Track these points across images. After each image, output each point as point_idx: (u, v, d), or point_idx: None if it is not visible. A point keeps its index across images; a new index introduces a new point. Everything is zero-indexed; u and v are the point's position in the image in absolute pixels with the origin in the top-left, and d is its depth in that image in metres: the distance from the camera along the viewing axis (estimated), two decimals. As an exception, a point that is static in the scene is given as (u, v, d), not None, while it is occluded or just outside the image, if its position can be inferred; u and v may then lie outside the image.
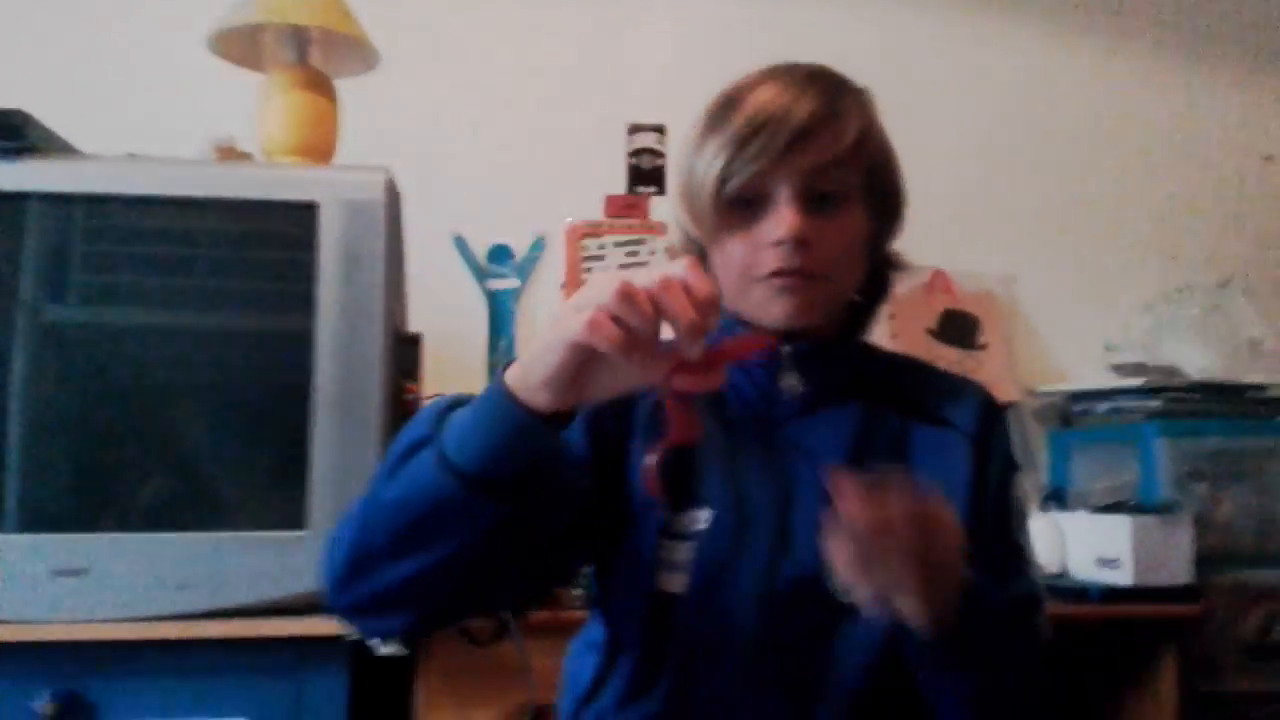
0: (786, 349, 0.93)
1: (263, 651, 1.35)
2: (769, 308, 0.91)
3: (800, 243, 0.88)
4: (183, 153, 1.55)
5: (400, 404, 1.52)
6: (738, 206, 0.90)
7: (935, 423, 0.94)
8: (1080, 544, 1.88)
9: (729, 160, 0.88)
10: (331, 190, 1.42)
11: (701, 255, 0.97)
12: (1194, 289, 2.24)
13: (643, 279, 0.68)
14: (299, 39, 1.62)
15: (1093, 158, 2.39)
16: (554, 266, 2.14)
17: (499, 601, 1.05)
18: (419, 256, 1.78)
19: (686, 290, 0.68)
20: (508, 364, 0.75)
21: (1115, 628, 1.85)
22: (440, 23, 2.16)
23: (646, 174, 2.16)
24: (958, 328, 2.23)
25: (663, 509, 0.89)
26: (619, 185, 2.15)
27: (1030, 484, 2.10)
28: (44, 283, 1.41)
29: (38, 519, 1.37)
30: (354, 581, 0.80)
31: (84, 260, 1.42)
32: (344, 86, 1.68)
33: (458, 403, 0.80)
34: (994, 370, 2.19)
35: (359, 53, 1.66)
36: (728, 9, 2.27)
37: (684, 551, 0.89)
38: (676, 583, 0.89)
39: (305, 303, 1.40)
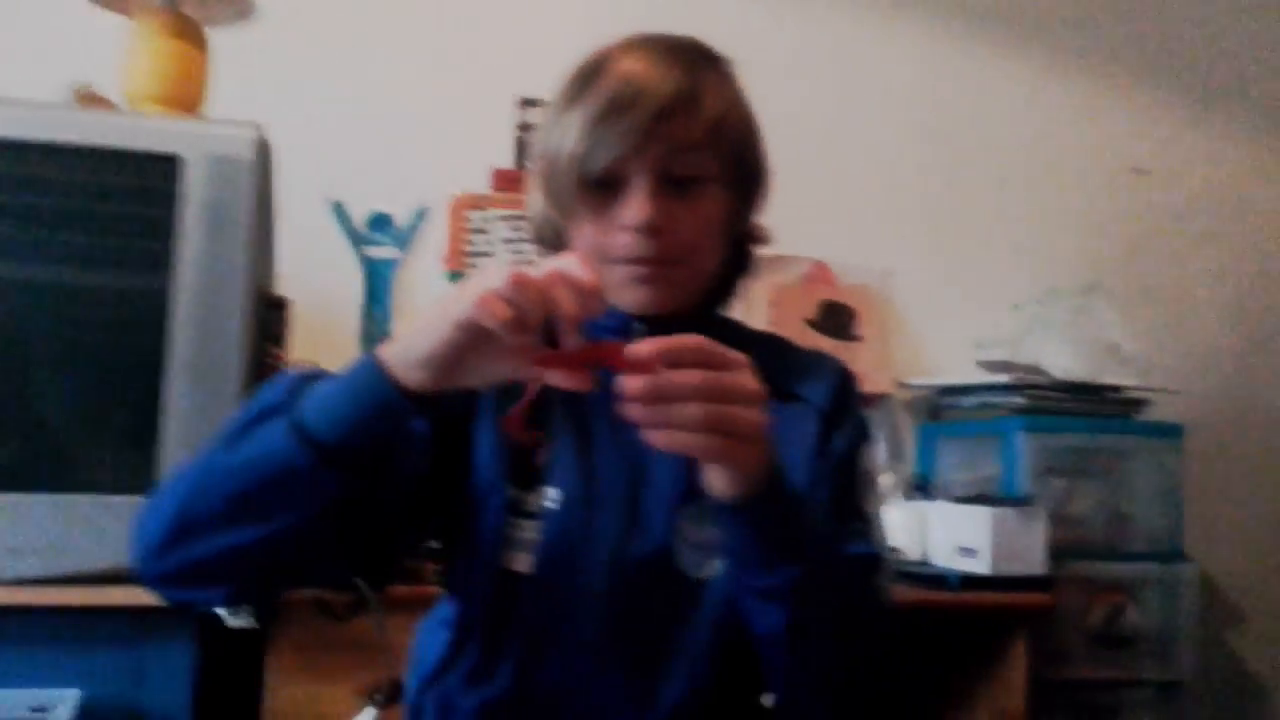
0: (639, 326, 0.92)
1: (102, 620, 1.30)
2: (624, 294, 0.91)
3: (654, 230, 0.87)
4: (40, 98, 1.47)
5: (264, 368, 1.47)
6: (595, 188, 0.89)
7: (789, 399, 0.93)
8: (942, 533, 1.93)
9: (587, 143, 0.86)
10: (197, 144, 1.36)
11: (559, 234, 0.96)
12: (1061, 293, 2.32)
13: (532, 270, 0.68)
14: (170, -18, 1.55)
15: (972, 162, 2.46)
16: (435, 238, 2.10)
17: (316, 578, 1.04)
18: (294, 220, 1.72)
19: (572, 282, 0.68)
20: (381, 341, 0.75)
21: (971, 614, 1.91)
22: (326, -24, 2.09)
23: (535, 149, 2.13)
24: (836, 319, 2.27)
25: (530, 444, 0.88)
26: (507, 158, 2.12)
27: (899, 474, 2.15)
28: (-124, 226, 1.32)
29: None
30: (174, 548, 0.77)
31: (-77, 205, 1.33)
32: (218, 37, 1.61)
33: (311, 376, 0.78)
34: (868, 362, 2.24)
35: (234, 1, 1.60)
36: (625, -14, 2.26)
37: (531, 530, 0.88)
38: (523, 562, 0.88)
39: (163, 261, 1.34)
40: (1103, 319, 2.26)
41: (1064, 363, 2.17)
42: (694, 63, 0.91)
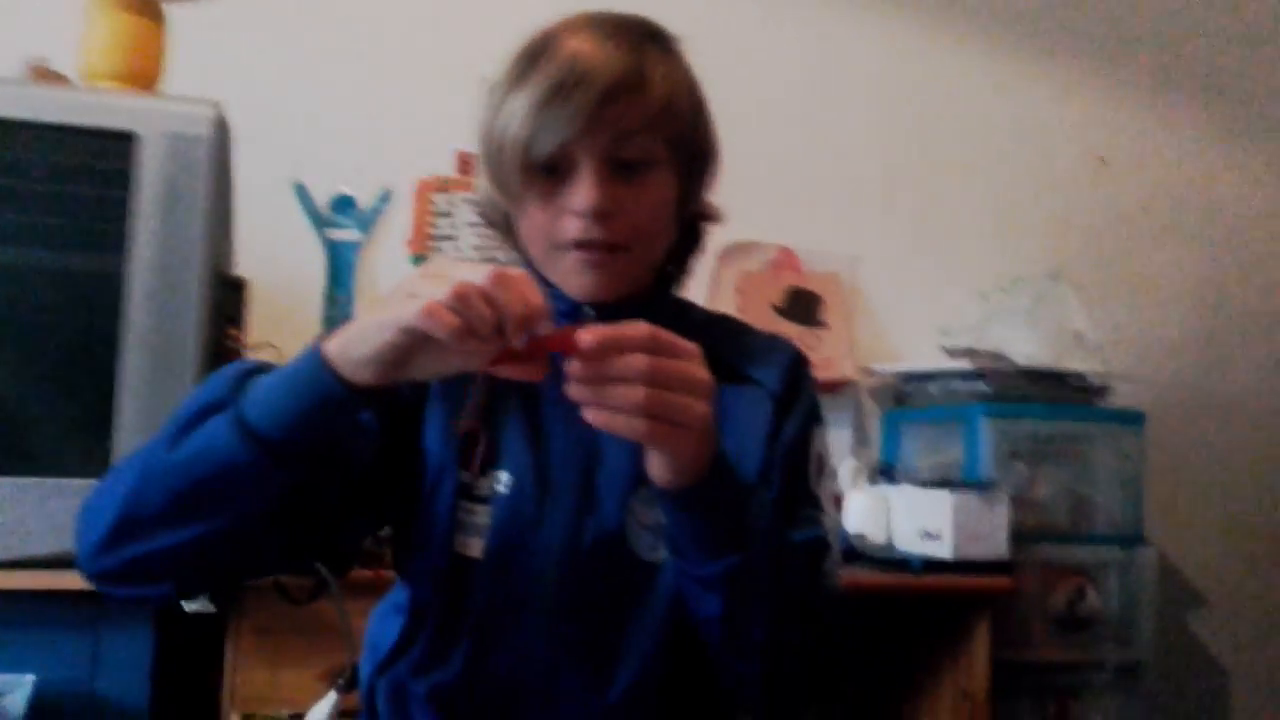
0: (589, 312, 0.91)
1: (58, 605, 1.27)
2: (573, 280, 0.90)
3: (602, 215, 0.86)
4: (-10, 71, 1.44)
5: (221, 350, 1.45)
6: (541, 172, 0.87)
7: (742, 381, 0.93)
8: (905, 517, 1.94)
9: (532, 127, 0.84)
10: (153, 121, 1.34)
11: (507, 218, 0.95)
12: (1025, 280, 2.34)
13: (475, 276, 0.68)
14: (127, -44, 1.52)
15: (938, 151, 2.47)
16: (400, 221, 2.08)
17: (265, 570, 1.03)
18: (256, 201, 1.70)
19: (517, 286, 0.68)
20: (324, 335, 0.73)
21: (934, 598, 1.92)
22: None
23: (501, 132, 2.11)
24: (802, 305, 2.27)
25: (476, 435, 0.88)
26: (472, 141, 2.10)
27: (864, 459, 2.16)
28: None
29: None
30: (117, 546, 0.76)
31: None
32: (179, 14, 1.58)
33: (254, 370, 0.77)
34: (834, 348, 2.25)
35: (193, -23, 1.57)
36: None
37: (483, 515, 0.88)
38: (475, 547, 0.87)
39: (117, 239, 1.31)
40: (1066, 307, 2.28)
41: (1027, 349, 2.18)
42: (640, 42, 0.89)
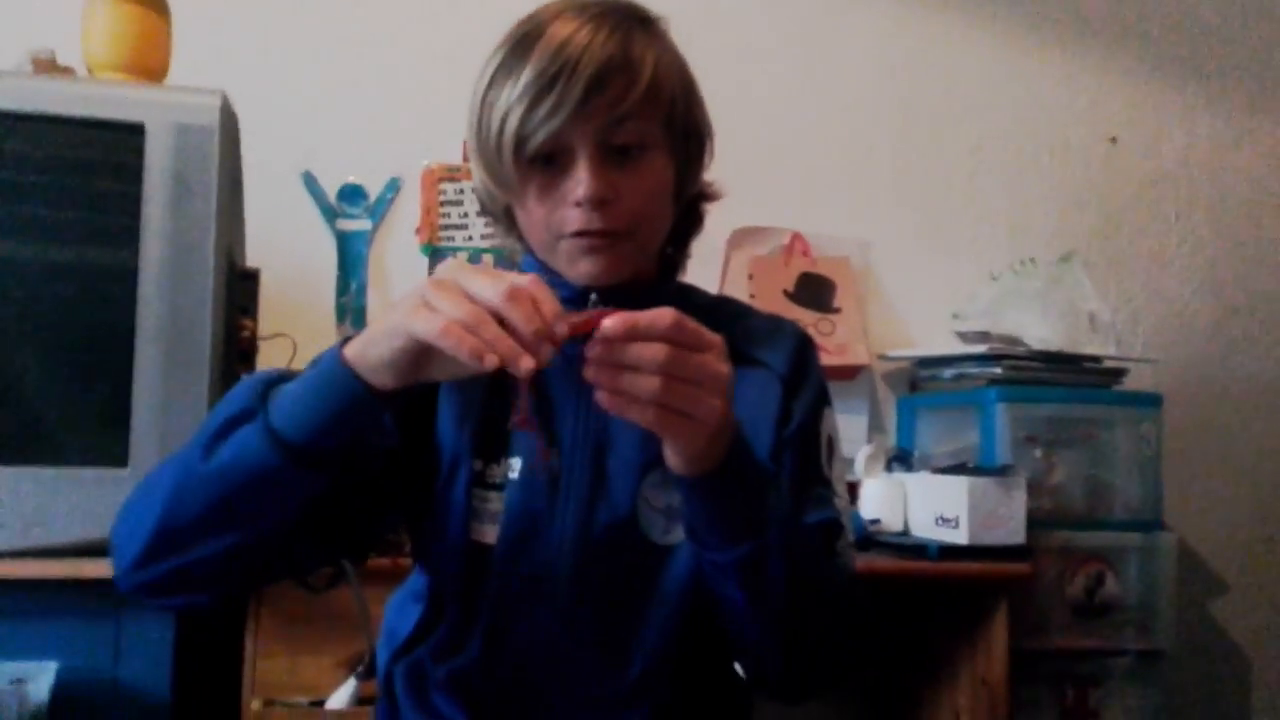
0: (594, 297, 0.91)
1: (79, 593, 1.28)
2: (575, 267, 0.89)
3: (601, 203, 0.86)
4: (-3, 65, 1.44)
5: (235, 340, 1.45)
6: (536, 163, 0.87)
7: (749, 364, 0.92)
8: (921, 504, 1.93)
9: (523, 118, 0.84)
10: (161, 112, 1.34)
11: (506, 211, 0.94)
12: (1038, 262, 2.32)
13: (488, 291, 0.68)
14: (132, -53, 1.51)
15: (948, 133, 2.45)
16: (409, 210, 2.08)
17: (293, 573, 1.04)
18: (266, 191, 1.70)
19: (529, 301, 0.68)
20: (345, 340, 0.75)
21: (951, 584, 1.91)
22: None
23: (510, 121, 2.10)
24: (814, 291, 2.26)
25: (541, 439, 0.88)
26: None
27: (879, 446, 2.15)
28: None
29: None
30: (156, 559, 0.77)
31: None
32: (182, 4, 1.58)
33: (277, 378, 0.78)
34: (847, 333, 2.23)
35: (201, -31, 1.57)
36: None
37: (497, 502, 0.88)
38: (490, 534, 0.88)
39: (129, 232, 1.32)
40: (1079, 289, 2.26)
41: (1040, 332, 2.17)
42: (626, 25, 0.88)
